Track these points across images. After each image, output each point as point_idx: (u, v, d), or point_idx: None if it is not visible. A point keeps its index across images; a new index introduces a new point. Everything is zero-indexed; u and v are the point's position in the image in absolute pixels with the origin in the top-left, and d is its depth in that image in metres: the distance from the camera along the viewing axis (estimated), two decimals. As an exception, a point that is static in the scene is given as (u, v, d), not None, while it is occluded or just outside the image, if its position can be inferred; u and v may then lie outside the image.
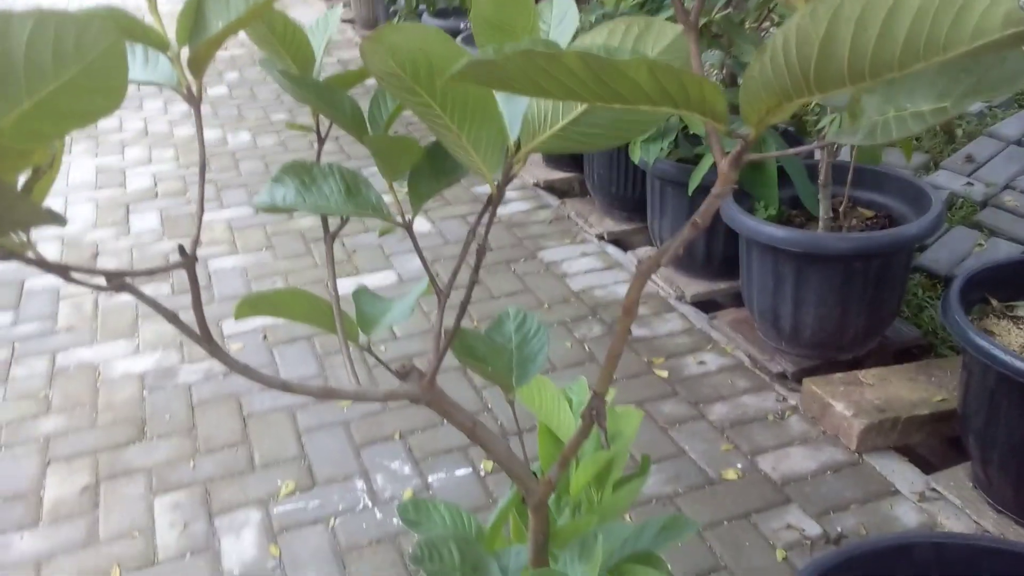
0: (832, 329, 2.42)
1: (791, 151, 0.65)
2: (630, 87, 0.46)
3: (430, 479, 2.18)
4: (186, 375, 2.65)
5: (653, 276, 3.06)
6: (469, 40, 4.35)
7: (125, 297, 3.08)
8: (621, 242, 3.44)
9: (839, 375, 2.36)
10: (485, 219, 0.67)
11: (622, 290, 3.02)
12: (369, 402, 2.44)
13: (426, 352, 2.70)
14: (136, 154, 4.47)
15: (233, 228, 3.61)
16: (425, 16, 5.03)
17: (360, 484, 2.17)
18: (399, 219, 0.70)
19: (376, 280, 3.14)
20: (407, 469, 2.21)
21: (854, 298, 2.36)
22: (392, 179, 0.70)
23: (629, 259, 3.24)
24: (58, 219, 0.47)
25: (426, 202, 0.71)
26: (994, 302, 2.10)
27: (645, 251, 3.27)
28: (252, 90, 5.42)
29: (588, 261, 3.25)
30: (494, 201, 0.64)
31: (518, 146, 0.63)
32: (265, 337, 2.83)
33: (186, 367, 2.69)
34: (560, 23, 0.71)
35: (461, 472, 2.20)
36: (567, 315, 2.88)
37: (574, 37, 0.71)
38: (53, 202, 3.82)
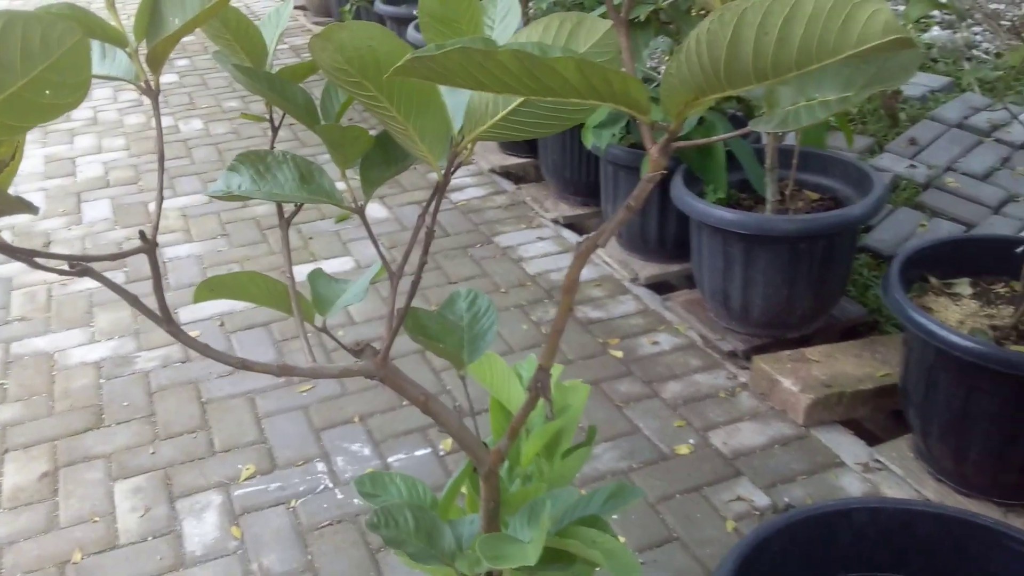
0: (780, 308, 2.49)
1: (727, 135, 0.69)
2: (560, 82, 0.50)
3: (390, 460, 2.22)
4: (143, 362, 2.65)
5: (608, 259, 3.12)
6: (423, 26, 4.36)
7: (79, 286, 3.07)
8: (576, 226, 3.49)
9: (787, 352, 2.44)
10: (434, 205, 0.71)
11: (577, 273, 3.07)
12: (326, 379, 2.47)
13: (381, 336, 2.73)
14: (86, 143, 4.43)
15: (187, 216, 3.60)
16: (377, 3, 5.02)
17: (321, 466, 2.20)
18: (352, 205, 0.73)
19: (333, 266, 3.16)
20: (367, 451, 2.25)
21: (801, 278, 2.44)
22: (344, 167, 0.74)
23: (577, 242, 3.28)
24: (30, 207, 0.50)
25: (377, 188, 0.75)
26: (933, 280, 2.18)
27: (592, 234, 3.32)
28: (203, 78, 5.38)
29: (544, 245, 3.29)
30: (440, 187, 0.68)
31: (462, 135, 0.67)
32: (222, 324, 2.84)
33: (143, 354, 2.69)
34: (503, 19, 0.75)
35: (420, 452, 2.24)
36: (523, 298, 2.93)
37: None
38: (4, 191, 3.77)
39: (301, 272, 3.09)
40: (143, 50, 0.63)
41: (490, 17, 0.77)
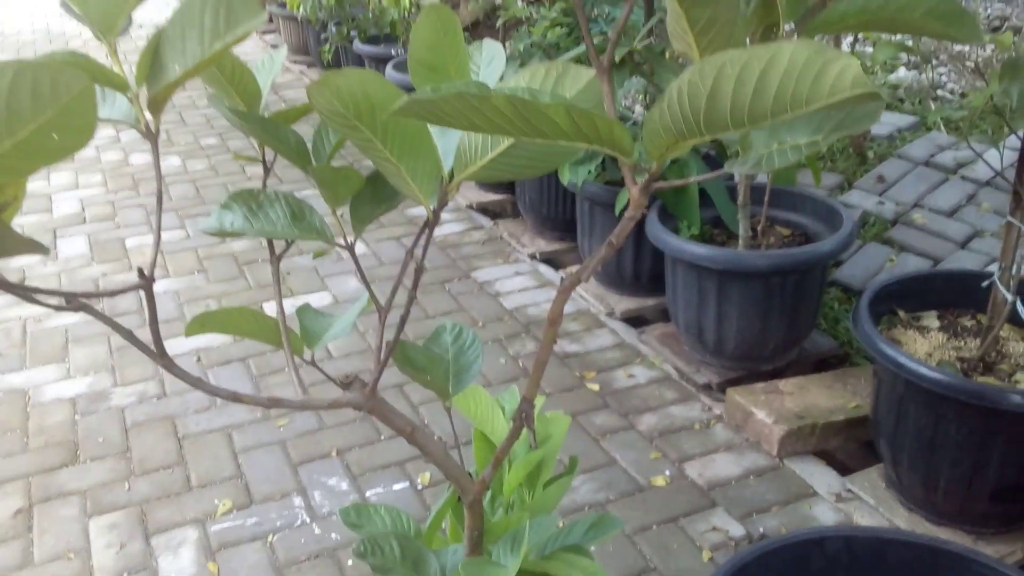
0: (753, 341, 2.54)
1: (704, 177, 0.73)
2: (550, 125, 0.53)
3: (368, 494, 2.22)
4: (119, 398, 2.64)
5: (584, 294, 3.15)
6: (401, 66, 4.41)
7: (55, 322, 3.06)
8: (553, 261, 3.53)
9: (760, 385, 2.47)
10: (423, 241, 0.74)
11: (553, 307, 3.10)
12: (313, 410, 2.48)
13: (363, 370, 2.74)
14: (62, 179, 4.42)
15: (165, 252, 3.60)
16: (356, 43, 5.07)
17: (298, 501, 2.20)
18: (342, 242, 0.76)
19: (311, 301, 3.17)
20: (345, 485, 2.25)
21: (773, 312, 2.48)
22: (335, 206, 0.77)
23: (561, 277, 3.32)
24: (40, 248, 0.52)
25: (367, 225, 0.78)
26: (901, 313, 2.23)
27: (576, 269, 3.36)
28: (181, 115, 5.40)
29: (521, 280, 3.32)
30: (431, 224, 0.71)
31: (452, 175, 0.70)
32: (199, 359, 2.83)
33: (119, 391, 2.68)
34: (489, 64, 0.78)
35: (399, 486, 2.24)
36: (501, 333, 2.95)
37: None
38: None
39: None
40: (144, 94, 0.65)
41: (475, 63, 0.80)
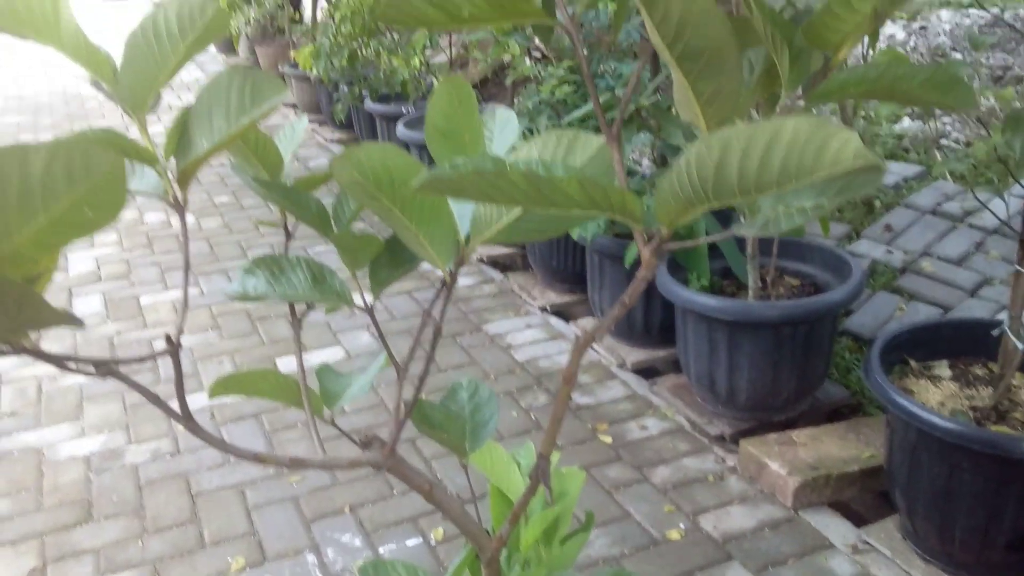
0: (765, 392, 2.54)
1: (714, 238, 0.75)
2: (564, 197, 0.55)
3: (381, 550, 2.21)
4: (133, 456, 2.65)
5: (595, 345, 3.16)
6: (411, 124, 4.48)
7: (69, 380, 3.08)
8: (563, 313, 3.54)
9: (774, 435, 2.47)
10: (439, 302, 0.76)
11: (566, 360, 3.11)
12: (333, 470, 2.48)
13: (373, 425, 2.75)
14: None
15: (178, 309, 3.63)
16: (368, 101, 5.16)
17: (311, 558, 2.20)
18: (362, 305, 0.78)
19: (324, 356, 3.19)
20: (358, 541, 2.25)
21: (785, 362, 2.49)
22: (355, 269, 0.79)
23: (572, 330, 3.34)
24: (75, 320, 0.54)
25: (386, 288, 0.80)
26: (913, 363, 2.24)
27: (587, 322, 3.38)
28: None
29: (532, 333, 3.34)
30: (449, 287, 0.73)
31: (468, 239, 0.72)
32: (213, 416, 2.85)
33: (133, 448, 2.69)
34: (502, 131, 0.81)
35: (412, 542, 2.24)
36: (513, 385, 2.96)
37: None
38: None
39: (293, 363, 3.12)
40: (172, 167, 0.68)
41: (489, 129, 0.83)
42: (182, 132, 0.67)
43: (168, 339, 0.69)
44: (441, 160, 0.75)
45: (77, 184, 0.57)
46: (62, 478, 2.56)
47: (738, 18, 0.70)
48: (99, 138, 0.65)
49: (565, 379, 0.76)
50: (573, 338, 3.28)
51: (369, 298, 0.82)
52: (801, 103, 0.66)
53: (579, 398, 2.87)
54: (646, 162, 3.99)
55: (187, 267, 0.69)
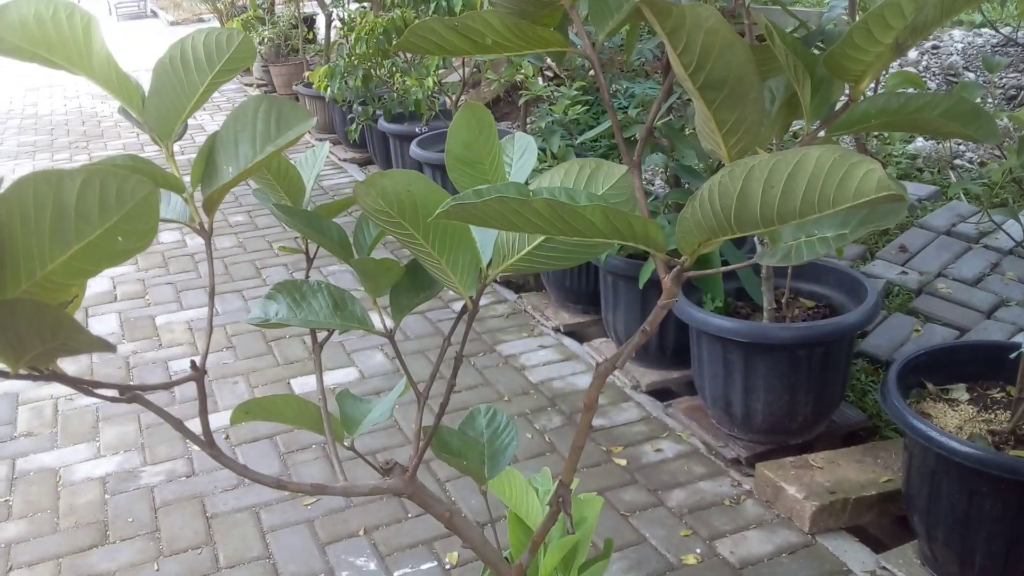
0: (781, 415, 2.52)
1: (734, 267, 0.75)
2: (587, 225, 0.56)
3: (396, 574, 2.21)
4: (148, 477, 2.66)
5: (608, 367, 3.16)
6: (425, 143, 4.50)
7: (85, 401, 3.09)
8: (577, 334, 3.54)
9: (790, 459, 2.45)
10: (461, 328, 0.76)
11: (580, 381, 3.11)
12: (352, 496, 2.48)
13: (389, 446, 2.75)
14: (95, 256, 4.50)
15: (193, 329, 3.65)
16: (381, 121, 5.19)
17: (327, 581, 2.19)
18: (383, 330, 0.78)
19: (338, 377, 3.20)
20: (373, 565, 2.24)
21: (800, 384, 2.48)
22: (376, 295, 0.79)
23: (585, 351, 3.34)
24: (108, 346, 0.55)
25: (406, 315, 0.80)
26: (930, 386, 2.22)
27: (600, 342, 3.37)
28: (210, 191, 5.51)
29: (546, 353, 3.34)
30: (471, 314, 0.73)
31: (490, 267, 0.72)
32: (227, 437, 2.85)
33: (148, 469, 2.70)
34: (521, 156, 0.81)
35: (427, 566, 2.23)
36: (527, 407, 2.96)
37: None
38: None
39: (308, 383, 3.13)
40: (198, 195, 0.69)
41: (508, 155, 0.84)
42: (208, 159, 0.68)
43: (193, 365, 0.69)
44: (462, 188, 0.75)
45: (111, 212, 0.57)
46: (78, 499, 2.57)
47: (759, 46, 0.71)
48: (129, 166, 0.66)
49: (586, 406, 0.76)
50: (587, 359, 3.28)
51: (390, 323, 0.82)
52: (822, 133, 0.66)
53: (594, 421, 2.86)
54: (659, 182, 3.99)
55: (212, 292, 0.69)
